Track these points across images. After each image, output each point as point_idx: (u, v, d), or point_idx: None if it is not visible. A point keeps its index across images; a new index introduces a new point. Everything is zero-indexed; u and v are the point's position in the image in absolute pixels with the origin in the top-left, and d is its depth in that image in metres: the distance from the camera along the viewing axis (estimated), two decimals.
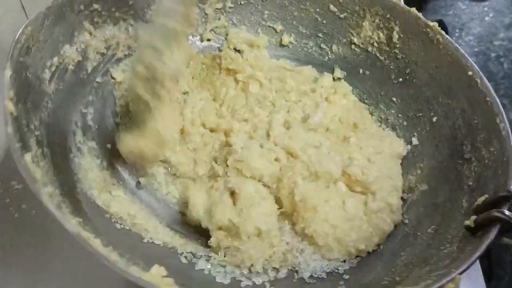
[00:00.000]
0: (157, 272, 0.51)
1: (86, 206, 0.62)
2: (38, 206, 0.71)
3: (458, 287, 0.52)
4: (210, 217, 0.69)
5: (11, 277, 0.68)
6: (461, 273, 0.52)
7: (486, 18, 1.24)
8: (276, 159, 0.75)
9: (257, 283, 0.66)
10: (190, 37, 0.93)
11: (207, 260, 0.68)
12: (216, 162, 0.78)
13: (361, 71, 0.91)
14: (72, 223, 0.49)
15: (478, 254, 0.54)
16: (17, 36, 0.62)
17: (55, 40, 0.70)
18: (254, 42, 0.94)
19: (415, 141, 0.81)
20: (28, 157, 0.54)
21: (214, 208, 0.69)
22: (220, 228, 0.69)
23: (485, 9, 1.25)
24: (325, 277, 0.68)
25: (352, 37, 0.91)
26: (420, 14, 0.82)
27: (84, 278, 0.68)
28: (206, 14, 0.94)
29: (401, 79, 0.86)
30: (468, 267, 0.53)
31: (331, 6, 0.91)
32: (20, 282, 0.68)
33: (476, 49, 1.16)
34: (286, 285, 0.67)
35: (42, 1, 0.67)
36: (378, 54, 0.88)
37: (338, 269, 0.68)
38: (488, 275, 0.74)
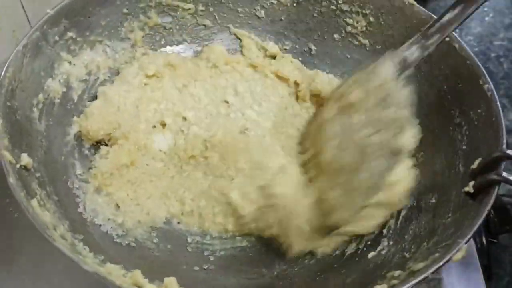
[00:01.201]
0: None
1: (98, 237, 0.63)
2: None
3: (465, 254, 0.53)
4: None
5: (11, 277, 0.68)
6: (466, 242, 0.54)
7: (486, 18, 1.24)
8: None
9: None
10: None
11: None
12: None
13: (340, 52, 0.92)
14: (88, 263, 0.50)
15: (480, 219, 0.56)
16: (0, 81, 0.63)
17: (36, 76, 0.70)
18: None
19: None
20: (34, 202, 0.55)
21: None
22: None
23: (485, 9, 1.25)
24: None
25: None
26: None
27: (84, 278, 0.67)
28: None
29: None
30: (473, 235, 0.55)
31: None
32: (20, 282, 0.68)
33: (476, 49, 1.16)
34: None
35: (42, 1, 0.66)
36: (356, 35, 0.89)
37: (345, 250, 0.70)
38: (488, 275, 0.75)
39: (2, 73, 0.63)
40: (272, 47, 0.91)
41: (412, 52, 0.70)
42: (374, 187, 0.65)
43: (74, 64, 0.77)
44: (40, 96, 0.70)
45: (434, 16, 0.75)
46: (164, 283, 0.55)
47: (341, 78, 0.89)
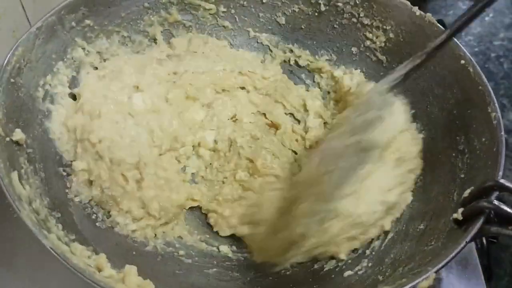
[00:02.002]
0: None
1: (77, 218, 0.64)
2: None
3: (433, 283, 0.51)
4: None
5: (11, 277, 0.70)
6: (436, 271, 0.51)
7: (486, 18, 1.21)
8: None
9: None
10: None
11: None
12: None
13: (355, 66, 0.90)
14: (49, 238, 0.51)
15: (458, 249, 0.53)
16: (8, 58, 0.65)
17: (47, 58, 0.72)
18: None
19: None
20: (15, 175, 0.56)
21: None
22: None
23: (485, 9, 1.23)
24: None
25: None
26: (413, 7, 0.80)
27: (84, 278, 0.69)
28: None
29: None
30: (445, 264, 0.52)
31: None
32: (19, 282, 0.69)
33: (476, 49, 1.14)
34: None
35: (42, 1, 0.68)
36: (374, 50, 0.87)
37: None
38: (488, 275, 0.72)
39: (11, 51, 0.66)
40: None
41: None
42: (340, 185, 0.64)
43: (88, 51, 0.79)
44: (48, 77, 0.72)
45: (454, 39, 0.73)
46: (124, 270, 0.55)
47: None
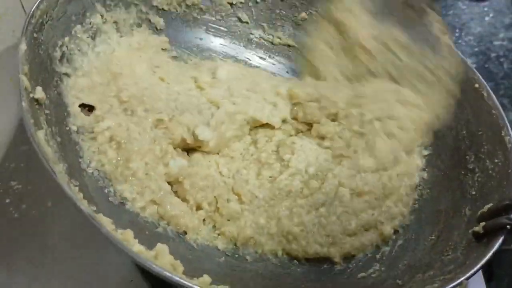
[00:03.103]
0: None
1: (92, 190, 0.60)
2: (38, 206, 0.70)
3: None
4: None
5: (11, 277, 0.66)
6: (467, 279, 0.53)
7: (486, 18, 1.25)
8: None
9: None
10: None
11: None
12: None
13: None
14: (85, 205, 0.48)
15: (484, 260, 0.55)
16: (32, 10, 0.62)
17: (67, 19, 0.69)
18: None
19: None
20: (40, 134, 0.52)
21: None
22: None
23: (485, 9, 1.26)
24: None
25: None
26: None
27: (84, 278, 0.67)
28: None
29: None
30: (474, 273, 0.54)
31: None
32: (19, 282, 0.66)
33: (476, 49, 1.16)
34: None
35: None
36: None
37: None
38: (488, 276, 0.74)
39: (36, 5, 0.62)
40: None
41: None
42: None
43: (105, 20, 0.76)
44: (66, 39, 0.68)
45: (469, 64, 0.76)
46: (156, 248, 0.53)
47: None
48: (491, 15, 1.25)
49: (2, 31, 0.70)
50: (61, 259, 0.68)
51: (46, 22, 0.64)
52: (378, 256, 0.68)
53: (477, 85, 0.75)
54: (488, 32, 1.20)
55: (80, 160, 0.63)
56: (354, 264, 0.67)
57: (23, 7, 0.72)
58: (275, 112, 0.79)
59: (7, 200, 0.72)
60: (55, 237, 0.70)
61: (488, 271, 0.74)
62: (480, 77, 0.77)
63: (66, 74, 0.67)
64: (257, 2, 0.91)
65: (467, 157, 0.73)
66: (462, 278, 0.53)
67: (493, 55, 1.13)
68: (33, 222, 0.71)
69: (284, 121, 0.80)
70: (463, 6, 1.28)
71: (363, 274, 0.65)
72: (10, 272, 0.67)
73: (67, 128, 0.64)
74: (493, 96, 0.74)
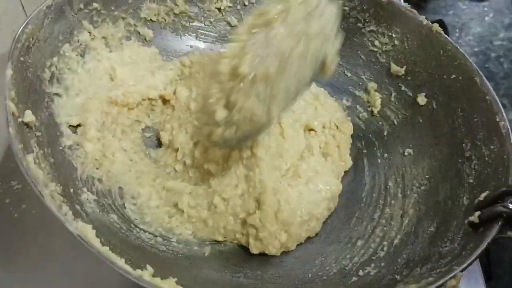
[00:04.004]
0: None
1: (88, 208, 0.61)
2: (38, 206, 0.71)
3: (459, 283, 0.52)
4: None
5: (11, 277, 0.67)
6: (462, 270, 0.52)
7: (486, 18, 1.24)
8: None
9: None
10: None
11: None
12: None
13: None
14: (74, 225, 0.49)
15: (479, 250, 0.54)
16: (18, 34, 0.62)
17: (54, 39, 0.70)
18: None
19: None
20: (30, 158, 0.53)
21: None
22: None
23: (485, 9, 1.25)
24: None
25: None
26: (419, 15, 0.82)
27: (84, 278, 0.68)
28: None
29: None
30: (470, 264, 0.53)
31: None
32: (20, 282, 0.67)
33: (476, 49, 1.16)
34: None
35: (42, 1, 0.67)
36: (378, 56, 0.88)
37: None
38: (488, 275, 0.74)
39: (21, 29, 0.63)
40: None
41: None
42: (292, 96, 0.64)
43: (93, 36, 0.77)
44: (55, 59, 0.69)
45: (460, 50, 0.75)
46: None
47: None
48: (491, 15, 1.24)
49: (2, 31, 0.70)
50: (61, 259, 0.69)
51: (33, 45, 0.65)
52: (379, 251, 0.68)
53: (470, 72, 0.74)
54: (488, 32, 1.20)
55: (74, 176, 0.64)
56: (352, 264, 0.67)
57: (23, 7, 0.73)
58: None
59: (7, 200, 0.73)
60: (55, 237, 0.70)
61: (488, 270, 0.74)
62: (473, 63, 0.76)
63: (57, 94, 0.69)
64: (245, 5, 0.91)
65: (463, 145, 0.72)
66: (457, 270, 0.52)
67: (493, 55, 1.13)
68: (33, 222, 0.72)
69: None
70: (463, 6, 1.27)
71: (361, 272, 0.65)
72: (10, 272, 0.68)
73: (60, 148, 0.65)
74: (486, 82, 0.73)
